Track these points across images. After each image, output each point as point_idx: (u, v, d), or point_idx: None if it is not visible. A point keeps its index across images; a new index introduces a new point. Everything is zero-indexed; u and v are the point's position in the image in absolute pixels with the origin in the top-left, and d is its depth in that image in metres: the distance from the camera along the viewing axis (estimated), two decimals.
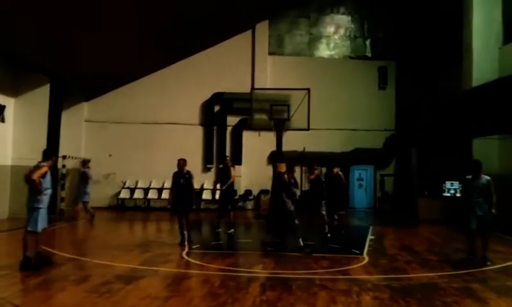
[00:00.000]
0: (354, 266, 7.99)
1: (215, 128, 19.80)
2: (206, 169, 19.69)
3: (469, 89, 15.65)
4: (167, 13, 15.46)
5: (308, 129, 14.30)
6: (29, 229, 7.02)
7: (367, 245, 10.20)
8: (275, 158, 14.72)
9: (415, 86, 19.79)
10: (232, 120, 19.87)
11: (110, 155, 19.43)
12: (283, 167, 15.29)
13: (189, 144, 19.21)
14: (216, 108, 19.85)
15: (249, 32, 20.25)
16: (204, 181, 19.42)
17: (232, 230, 11.59)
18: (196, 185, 18.86)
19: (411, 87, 19.92)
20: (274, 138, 19.14)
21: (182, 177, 9.99)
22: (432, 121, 18.00)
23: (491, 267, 7.98)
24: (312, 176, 11.41)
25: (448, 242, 11.25)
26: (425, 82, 19.35)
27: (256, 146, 19.62)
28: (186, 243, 9.62)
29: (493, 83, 14.63)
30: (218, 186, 13.34)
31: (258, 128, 19.46)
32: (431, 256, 9.20)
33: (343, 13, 20.82)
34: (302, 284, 6.59)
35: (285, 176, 9.64)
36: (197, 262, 8.07)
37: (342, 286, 6.54)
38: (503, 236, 11.45)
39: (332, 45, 20.77)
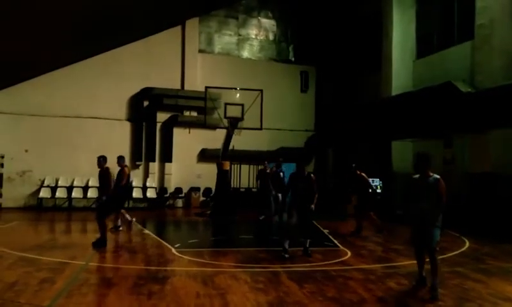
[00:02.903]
0: (346, 258, 8.68)
1: (144, 124, 19.19)
2: (134, 166, 18.98)
3: (389, 97, 17.54)
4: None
5: (260, 129, 14.78)
6: None
7: (332, 238, 11.02)
8: (223, 156, 14.90)
9: (333, 90, 21.43)
10: (162, 116, 19.46)
11: (26, 151, 17.73)
12: (227, 165, 15.73)
13: (114, 140, 18.41)
14: (145, 103, 19.25)
15: (178, 28, 20.00)
16: (133, 179, 18.69)
17: None
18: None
19: (330, 91, 21.53)
20: (204, 135, 19.49)
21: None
22: (352, 123, 19.64)
23: (450, 254, 9.26)
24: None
25: (393, 233, 12.58)
26: (343, 86, 21.08)
27: (186, 143, 19.56)
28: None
29: (409, 93, 16.63)
30: None
31: (189, 124, 19.61)
32: (395, 246, 10.31)
33: (269, 17, 21.64)
34: (324, 276, 7.07)
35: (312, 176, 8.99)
36: (202, 260, 8.08)
37: (358, 275, 7.17)
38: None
39: (259, 47, 21.48)
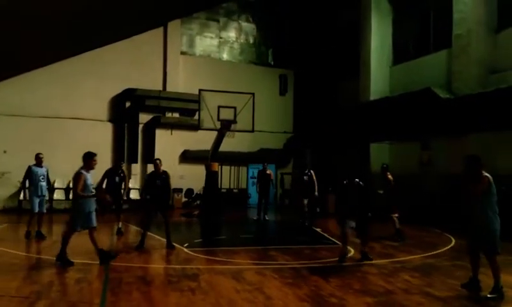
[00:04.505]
0: (351, 254, 9.12)
1: (126, 125, 19.09)
2: None
3: (369, 101, 18.31)
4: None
5: (252, 131, 15.13)
6: None
7: (328, 236, 11.52)
8: (212, 157, 15.14)
9: (312, 93, 22.06)
10: (144, 117, 19.44)
11: (5, 152, 17.27)
12: (216, 166, 15.95)
13: (96, 141, 18.07)
14: (127, 104, 19.15)
15: (160, 29, 20.02)
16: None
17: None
18: None
19: (309, 95, 22.15)
20: (186, 137, 19.66)
21: (158, 178, 10.04)
22: (331, 125, 20.30)
23: (443, 249, 9.95)
24: None
25: (385, 231, 13.21)
26: (322, 90, 21.73)
27: (169, 144, 19.60)
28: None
29: (389, 98, 17.45)
30: None
31: (171, 126, 19.71)
32: (388, 242, 10.90)
33: (249, 21, 22.03)
34: (342, 271, 7.53)
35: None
36: (219, 258, 8.34)
37: (372, 270, 7.66)
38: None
39: (239, 50, 21.83)
